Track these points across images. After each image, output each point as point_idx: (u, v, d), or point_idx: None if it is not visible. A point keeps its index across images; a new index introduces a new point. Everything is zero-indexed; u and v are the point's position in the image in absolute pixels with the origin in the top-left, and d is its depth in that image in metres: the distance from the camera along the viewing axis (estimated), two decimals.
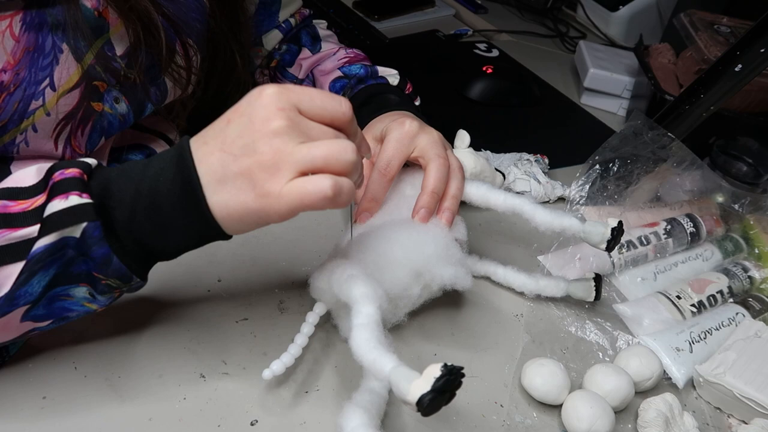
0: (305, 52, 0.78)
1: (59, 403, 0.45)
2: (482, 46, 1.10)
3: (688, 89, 0.72)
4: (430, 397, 0.35)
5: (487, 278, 0.62)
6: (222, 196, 0.40)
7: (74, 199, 0.40)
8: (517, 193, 0.75)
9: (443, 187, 0.55)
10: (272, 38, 0.77)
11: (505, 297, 0.61)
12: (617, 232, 0.53)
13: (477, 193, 0.57)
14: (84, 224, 0.40)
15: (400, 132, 0.56)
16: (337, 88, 0.73)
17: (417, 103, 0.74)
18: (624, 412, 0.52)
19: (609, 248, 0.54)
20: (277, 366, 0.46)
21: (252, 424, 0.46)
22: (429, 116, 0.69)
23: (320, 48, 0.78)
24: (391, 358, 0.39)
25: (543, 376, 0.50)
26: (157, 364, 0.49)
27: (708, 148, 0.77)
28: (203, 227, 0.42)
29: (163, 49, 0.54)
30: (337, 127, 0.42)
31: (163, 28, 0.53)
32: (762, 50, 0.65)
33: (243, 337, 0.52)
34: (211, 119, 0.44)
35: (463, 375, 0.37)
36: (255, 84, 0.80)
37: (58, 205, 0.40)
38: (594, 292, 0.57)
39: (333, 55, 0.77)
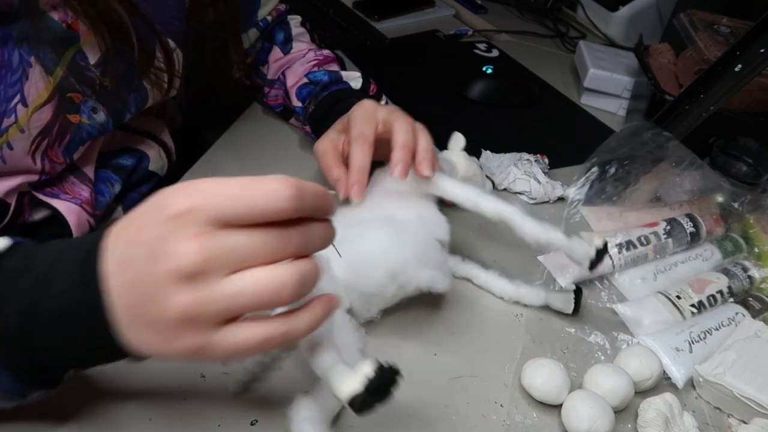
0: (276, 52, 0.78)
1: (59, 403, 0.45)
2: (482, 46, 1.10)
3: (688, 89, 0.72)
4: (361, 398, 0.35)
5: (469, 280, 0.61)
6: (139, 338, 0.33)
7: None
8: (516, 193, 0.75)
9: (413, 141, 0.54)
10: (250, 36, 0.78)
11: None
12: (601, 252, 0.53)
13: (468, 197, 0.56)
14: None
15: (362, 109, 0.57)
16: (303, 94, 0.74)
17: (383, 102, 0.75)
18: (624, 412, 0.52)
19: (591, 267, 0.54)
20: (250, 362, 0.47)
21: (252, 424, 0.46)
22: (429, 116, 0.69)
23: (291, 48, 0.79)
24: (332, 356, 0.39)
25: (543, 376, 0.50)
26: (157, 364, 0.49)
27: (708, 148, 0.77)
28: (117, 356, 0.35)
29: (136, 54, 0.52)
30: (282, 222, 0.32)
31: (135, 33, 0.51)
32: (762, 50, 0.65)
33: None
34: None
35: (398, 374, 0.37)
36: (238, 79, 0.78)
37: None
38: (573, 304, 0.58)
39: (302, 58, 0.77)
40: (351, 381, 0.36)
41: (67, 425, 0.44)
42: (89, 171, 0.59)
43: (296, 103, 0.75)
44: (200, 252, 0.30)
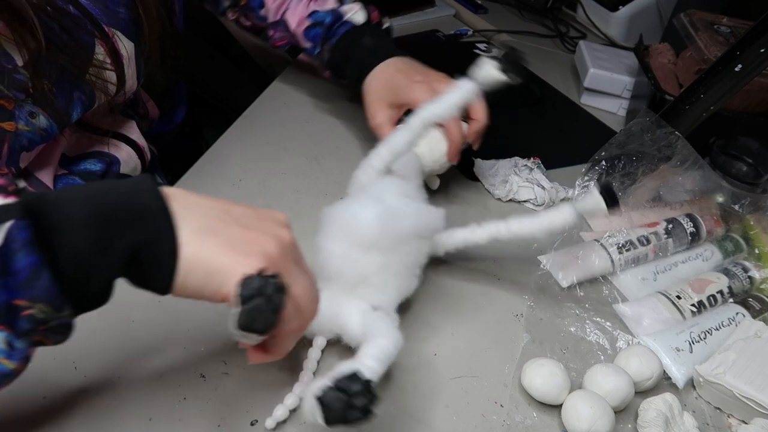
0: None
1: (59, 403, 0.45)
2: (482, 46, 1.10)
3: (688, 89, 0.72)
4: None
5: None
6: (195, 246, 0.36)
7: None
8: (522, 202, 0.74)
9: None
10: None
11: (505, 297, 0.61)
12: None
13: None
14: (8, 224, 0.30)
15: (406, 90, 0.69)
16: (311, 35, 0.77)
17: (386, 24, 0.79)
18: (624, 412, 0.52)
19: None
20: (281, 411, 0.46)
21: (252, 424, 0.46)
22: None
23: None
24: None
25: (543, 376, 0.50)
26: (157, 364, 0.49)
27: (708, 148, 0.77)
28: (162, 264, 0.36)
29: (42, 50, 0.47)
30: None
31: (70, 28, 0.48)
32: (762, 50, 0.65)
33: None
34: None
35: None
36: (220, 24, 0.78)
37: None
38: (603, 201, 0.52)
39: None
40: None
41: (68, 425, 0.44)
42: (46, 178, 0.55)
43: (306, 44, 0.78)
44: (290, 236, 0.40)
